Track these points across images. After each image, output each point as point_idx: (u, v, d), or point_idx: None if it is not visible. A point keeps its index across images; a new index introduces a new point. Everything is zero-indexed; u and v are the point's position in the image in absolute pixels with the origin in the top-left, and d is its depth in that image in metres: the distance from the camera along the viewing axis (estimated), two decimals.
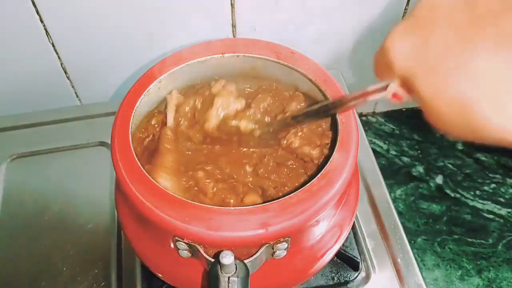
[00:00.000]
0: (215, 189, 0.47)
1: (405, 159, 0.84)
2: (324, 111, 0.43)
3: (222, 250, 0.35)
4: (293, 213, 0.38)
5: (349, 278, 0.54)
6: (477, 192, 0.80)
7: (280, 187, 0.48)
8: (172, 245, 0.41)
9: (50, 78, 0.71)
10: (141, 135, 0.49)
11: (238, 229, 0.37)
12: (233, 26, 0.69)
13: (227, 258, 0.35)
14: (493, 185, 0.81)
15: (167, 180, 0.44)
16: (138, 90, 0.46)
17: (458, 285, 0.71)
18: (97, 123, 0.70)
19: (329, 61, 0.78)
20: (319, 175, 0.40)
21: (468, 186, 0.81)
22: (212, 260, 0.38)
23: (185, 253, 0.41)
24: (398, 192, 0.80)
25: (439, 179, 0.82)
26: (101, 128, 0.68)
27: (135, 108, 0.45)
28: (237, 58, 0.49)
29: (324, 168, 0.40)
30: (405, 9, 0.71)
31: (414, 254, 0.56)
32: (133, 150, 0.41)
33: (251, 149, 0.52)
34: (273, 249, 0.40)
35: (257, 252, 0.39)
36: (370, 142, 0.85)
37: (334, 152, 0.42)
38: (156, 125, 0.49)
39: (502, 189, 0.80)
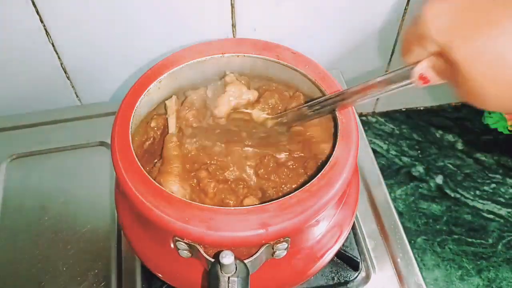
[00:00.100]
0: (215, 189, 0.47)
1: (405, 159, 0.84)
2: (342, 99, 0.42)
3: (222, 250, 0.35)
4: (293, 213, 0.38)
5: (349, 278, 0.54)
6: (477, 192, 0.80)
7: (280, 188, 0.49)
8: (172, 245, 0.41)
9: (50, 78, 0.71)
10: (141, 138, 0.49)
11: (238, 229, 0.37)
12: (233, 26, 0.69)
13: (227, 258, 0.35)
14: (493, 185, 0.81)
15: (177, 186, 0.44)
16: (138, 90, 0.46)
17: (458, 285, 0.71)
18: (97, 123, 0.70)
19: (329, 61, 0.78)
20: (319, 175, 0.40)
21: (468, 186, 0.81)
22: (212, 260, 0.37)
23: (185, 253, 0.41)
24: (398, 192, 0.80)
25: (439, 179, 0.82)
26: (101, 128, 0.68)
27: (135, 108, 0.45)
28: (237, 58, 0.49)
29: (324, 168, 0.40)
30: (405, 9, 0.71)
31: (414, 254, 0.56)
32: (133, 150, 0.41)
33: (252, 150, 0.52)
34: (273, 249, 0.40)
35: (257, 252, 0.39)
36: (370, 142, 0.85)
37: (334, 152, 0.42)
38: (155, 128, 0.49)
39: (502, 189, 0.80)
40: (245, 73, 0.52)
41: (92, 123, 0.70)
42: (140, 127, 0.49)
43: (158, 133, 0.50)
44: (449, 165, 0.83)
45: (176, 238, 0.39)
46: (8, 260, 0.56)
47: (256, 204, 0.39)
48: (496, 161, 0.84)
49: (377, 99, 0.87)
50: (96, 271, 0.55)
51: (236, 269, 0.36)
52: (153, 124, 0.49)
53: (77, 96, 0.76)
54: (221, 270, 0.36)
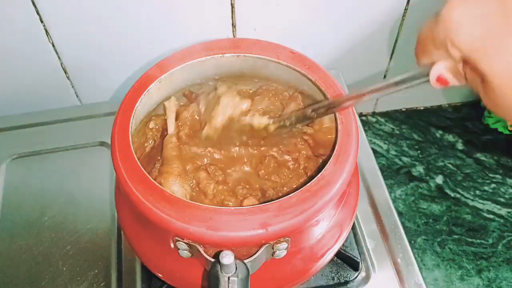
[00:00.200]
0: (215, 190, 0.47)
1: (405, 159, 0.84)
2: (357, 97, 0.40)
3: (222, 250, 0.35)
4: (293, 213, 0.38)
5: (349, 278, 0.54)
6: (477, 192, 0.80)
7: (280, 188, 0.49)
8: (172, 245, 0.41)
9: (50, 78, 0.71)
10: (140, 139, 0.49)
11: (238, 229, 0.37)
12: (233, 26, 0.69)
13: (227, 258, 0.35)
14: (493, 185, 0.81)
15: (177, 186, 0.44)
16: (138, 90, 0.46)
17: (458, 285, 0.71)
18: (97, 123, 0.70)
19: (329, 61, 0.78)
20: (319, 175, 0.40)
21: (468, 186, 0.81)
22: (212, 260, 0.38)
23: (185, 253, 0.41)
24: (398, 192, 0.80)
25: (439, 179, 0.82)
26: (101, 128, 0.68)
27: (135, 108, 0.45)
28: (237, 58, 0.49)
29: (324, 168, 0.40)
30: (405, 9, 0.71)
31: (414, 254, 0.56)
32: (133, 150, 0.41)
33: (252, 151, 0.52)
34: (273, 249, 0.40)
35: (257, 252, 0.39)
36: (370, 142, 0.85)
37: (334, 152, 0.42)
38: (154, 129, 0.49)
39: (502, 189, 0.80)
40: (245, 73, 0.52)
41: (92, 123, 0.70)
42: (140, 127, 0.49)
43: (158, 135, 0.50)
44: (449, 165, 0.83)
45: (176, 238, 0.39)
46: (8, 260, 0.56)
47: (256, 204, 0.39)
48: (496, 161, 0.84)
49: (377, 98, 0.87)
50: (96, 271, 0.55)
51: (236, 269, 0.36)
52: (151, 125, 0.49)
53: (77, 96, 0.76)
54: (221, 270, 0.36)
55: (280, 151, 0.52)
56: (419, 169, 0.83)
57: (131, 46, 0.69)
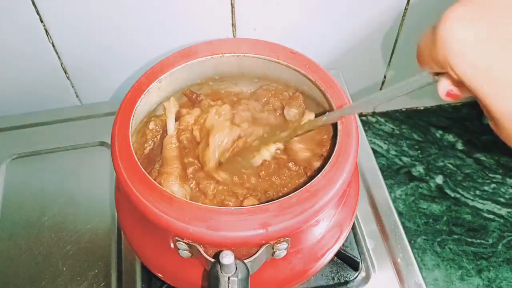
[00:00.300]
0: (215, 190, 0.47)
1: (405, 159, 0.84)
2: (363, 105, 0.40)
3: (222, 250, 0.35)
4: (293, 213, 0.38)
5: (349, 278, 0.54)
6: (477, 192, 0.80)
7: (280, 188, 0.48)
8: (172, 245, 0.41)
9: (50, 78, 0.71)
10: (140, 139, 0.49)
11: (238, 229, 0.37)
12: (233, 26, 0.69)
13: (227, 258, 0.35)
14: (493, 185, 0.81)
15: (177, 186, 0.44)
16: (138, 90, 0.46)
17: (458, 285, 0.71)
18: (97, 123, 0.70)
19: (329, 61, 0.78)
20: (319, 175, 0.40)
21: (468, 186, 0.81)
22: (212, 260, 0.38)
23: (185, 253, 0.41)
24: (398, 192, 0.80)
25: (439, 179, 0.82)
26: (101, 128, 0.68)
27: (135, 108, 0.45)
28: (237, 58, 0.49)
29: (324, 168, 0.40)
30: (405, 9, 0.71)
31: (414, 254, 0.56)
32: (133, 150, 0.41)
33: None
34: (273, 249, 0.40)
35: (257, 252, 0.39)
36: (370, 142, 0.85)
37: (334, 152, 0.42)
38: (154, 130, 0.49)
39: (502, 189, 0.80)
40: (245, 73, 0.52)
41: (92, 123, 0.70)
42: (140, 127, 0.49)
43: (158, 137, 0.49)
44: (449, 165, 0.83)
45: (176, 238, 0.39)
46: (8, 260, 0.56)
47: (256, 204, 0.39)
48: (496, 161, 0.84)
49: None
50: (96, 271, 0.55)
51: (236, 269, 0.36)
52: (151, 126, 0.49)
53: (77, 96, 0.76)
54: (221, 270, 0.36)
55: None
56: (419, 169, 0.83)
57: (131, 46, 0.69)
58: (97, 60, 0.70)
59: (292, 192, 0.39)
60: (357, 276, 0.54)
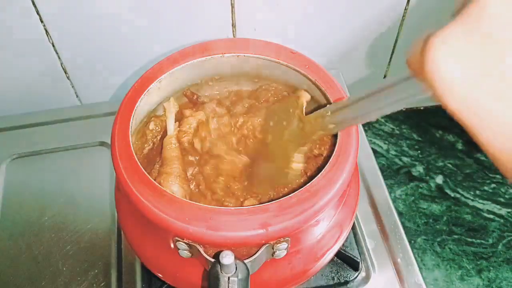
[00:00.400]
0: (214, 192, 0.47)
1: (405, 159, 0.84)
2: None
3: (222, 250, 0.35)
4: (293, 213, 0.38)
5: (349, 278, 0.54)
6: (477, 192, 0.80)
7: (280, 189, 0.48)
8: (172, 245, 0.41)
9: (50, 78, 0.71)
10: (140, 139, 0.49)
11: (238, 229, 0.37)
12: (233, 26, 0.69)
13: (227, 258, 0.35)
14: (493, 185, 0.81)
15: (177, 186, 0.44)
16: (138, 90, 0.46)
17: (458, 285, 0.71)
18: (97, 123, 0.70)
19: (329, 61, 0.78)
20: (319, 175, 0.40)
21: (468, 186, 0.81)
22: (212, 260, 0.37)
23: (185, 253, 0.41)
24: (398, 192, 0.80)
25: (439, 179, 0.82)
26: (101, 128, 0.68)
27: (135, 108, 0.45)
28: (237, 58, 0.49)
29: (324, 168, 0.40)
30: (405, 9, 0.71)
31: (414, 254, 0.56)
32: (133, 150, 0.41)
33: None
34: (273, 249, 0.40)
35: (257, 252, 0.39)
36: (370, 142, 0.85)
37: (334, 152, 0.42)
38: (154, 130, 0.49)
39: (502, 189, 0.80)
40: (245, 73, 0.52)
41: (92, 123, 0.70)
42: (140, 127, 0.49)
43: (158, 138, 0.49)
44: (449, 165, 0.83)
45: (176, 238, 0.39)
46: (8, 260, 0.56)
47: (256, 204, 0.39)
48: None
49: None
50: (96, 271, 0.55)
51: (236, 269, 0.36)
52: (151, 126, 0.49)
53: (77, 96, 0.76)
54: (221, 270, 0.36)
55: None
56: (419, 169, 0.83)
57: (131, 46, 0.69)
58: (97, 60, 0.70)
59: (292, 192, 0.39)
60: (357, 276, 0.54)
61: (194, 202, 0.38)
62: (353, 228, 0.58)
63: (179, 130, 0.49)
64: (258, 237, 0.37)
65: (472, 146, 0.86)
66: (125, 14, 0.64)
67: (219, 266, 0.36)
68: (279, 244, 0.39)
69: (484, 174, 0.82)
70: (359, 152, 0.43)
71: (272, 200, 0.38)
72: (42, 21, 0.63)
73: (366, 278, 0.54)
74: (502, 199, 0.79)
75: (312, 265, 0.45)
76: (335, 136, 0.44)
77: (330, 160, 0.41)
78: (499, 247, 0.74)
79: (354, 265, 0.55)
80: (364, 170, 0.64)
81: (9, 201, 0.62)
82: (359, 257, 0.55)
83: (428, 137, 0.87)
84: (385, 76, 0.82)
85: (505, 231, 0.75)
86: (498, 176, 0.82)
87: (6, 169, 0.65)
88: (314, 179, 0.40)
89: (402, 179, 0.82)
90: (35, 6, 0.61)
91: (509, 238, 0.74)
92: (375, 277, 0.54)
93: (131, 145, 0.42)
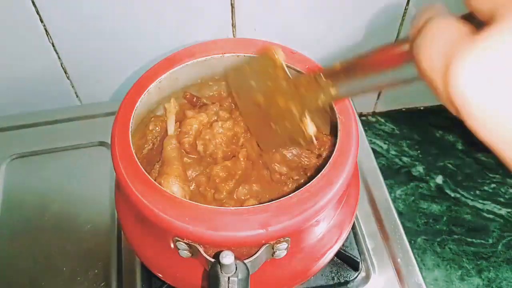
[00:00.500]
0: (215, 195, 0.47)
1: (405, 159, 0.84)
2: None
3: (222, 250, 0.35)
4: (293, 213, 0.38)
5: (349, 278, 0.54)
6: (477, 192, 0.80)
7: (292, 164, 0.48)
8: (172, 245, 0.41)
9: (50, 78, 0.71)
10: (140, 139, 0.49)
11: (238, 229, 0.37)
12: (233, 26, 0.69)
13: (227, 258, 0.35)
14: (493, 185, 0.81)
15: (177, 186, 0.44)
16: (138, 90, 0.46)
17: (458, 285, 0.71)
18: (97, 123, 0.70)
19: (329, 61, 0.78)
20: (319, 175, 0.40)
21: (468, 186, 0.81)
22: (212, 260, 0.37)
23: (185, 253, 0.41)
24: (398, 192, 0.80)
25: (439, 179, 0.82)
26: (101, 128, 0.68)
27: (135, 108, 0.45)
28: (237, 58, 0.49)
29: (324, 168, 0.40)
30: (405, 9, 0.71)
31: (414, 254, 0.56)
32: (133, 150, 0.41)
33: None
34: (273, 249, 0.40)
35: (257, 252, 0.39)
36: (370, 142, 0.85)
37: (334, 152, 0.41)
38: (154, 131, 0.49)
39: (502, 189, 0.80)
40: None
41: (92, 123, 0.70)
42: (140, 127, 0.49)
43: (158, 138, 0.49)
44: (449, 165, 0.83)
45: (176, 238, 0.39)
46: (8, 260, 0.56)
47: (256, 204, 0.39)
48: (496, 161, 0.84)
49: (377, 98, 0.87)
50: (96, 271, 0.55)
51: (236, 269, 0.36)
52: (151, 126, 0.49)
53: (77, 96, 0.76)
54: (221, 270, 0.36)
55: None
56: (419, 169, 0.83)
57: (131, 46, 0.69)
58: (97, 60, 0.70)
59: (292, 192, 0.39)
60: (357, 276, 0.54)
61: (194, 202, 0.38)
62: (353, 228, 0.58)
63: (180, 131, 0.49)
64: (258, 237, 0.37)
65: (472, 146, 0.86)
66: (125, 14, 0.64)
67: (219, 266, 0.36)
68: (279, 244, 0.39)
69: (484, 174, 0.82)
70: (359, 152, 0.43)
71: (272, 200, 0.38)
72: (42, 21, 0.63)
73: (366, 278, 0.54)
74: (502, 199, 0.79)
75: (312, 265, 0.45)
76: (335, 136, 0.44)
77: (330, 160, 0.41)
78: (499, 247, 0.74)
79: (354, 265, 0.55)
80: (364, 170, 0.64)
81: (9, 201, 0.62)
82: (359, 257, 0.55)
83: (428, 137, 0.87)
84: None
85: (505, 231, 0.75)
86: (498, 176, 0.82)
87: (6, 169, 0.65)
88: (314, 179, 0.40)
89: (402, 179, 0.82)
90: (35, 6, 0.61)
91: (509, 238, 0.74)
92: (375, 277, 0.54)
93: (131, 145, 0.42)
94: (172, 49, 0.70)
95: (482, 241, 0.74)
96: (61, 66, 0.70)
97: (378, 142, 0.87)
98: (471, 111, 0.19)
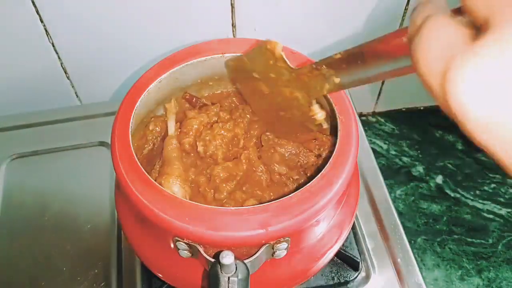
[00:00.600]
0: (215, 195, 0.47)
1: (405, 159, 0.84)
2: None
3: (222, 250, 0.35)
4: (293, 213, 0.38)
5: (349, 278, 0.54)
6: (477, 192, 0.80)
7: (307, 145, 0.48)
8: (172, 245, 0.41)
9: (50, 78, 0.71)
10: (140, 139, 0.49)
11: (238, 229, 0.37)
12: (233, 26, 0.69)
13: (227, 258, 0.35)
14: (493, 185, 0.81)
15: (178, 186, 0.44)
16: (138, 90, 0.46)
17: (458, 285, 0.71)
18: (97, 123, 0.70)
19: None
20: (319, 175, 0.40)
21: (468, 186, 0.81)
22: (212, 260, 0.37)
23: (185, 253, 0.41)
24: (398, 192, 0.80)
25: (439, 179, 0.82)
26: (101, 128, 0.68)
27: (135, 108, 0.45)
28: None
29: (324, 168, 0.40)
30: (405, 9, 0.71)
31: (414, 254, 0.56)
32: (133, 150, 0.41)
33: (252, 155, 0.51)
34: (273, 249, 0.40)
35: (257, 252, 0.39)
36: (370, 142, 0.85)
37: (334, 152, 0.41)
38: (154, 131, 0.49)
39: (502, 189, 0.80)
40: None
41: (92, 123, 0.70)
42: (140, 127, 0.49)
43: (158, 138, 0.49)
44: (449, 165, 0.83)
45: (176, 238, 0.39)
46: (8, 260, 0.56)
47: (256, 204, 0.39)
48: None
49: (377, 98, 0.87)
50: (96, 271, 0.55)
51: (236, 269, 0.36)
52: (151, 126, 0.49)
53: (77, 96, 0.76)
54: (221, 270, 0.36)
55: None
56: (419, 169, 0.83)
57: (131, 46, 0.69)
58: (97, 60, 0.70)
59: (292, 192, 0.39)
60: (357, 276, 0.54)
61: (194, 202, 0.38)
62: (353, 228, 0.58)
63: (180, 131, 0.49)
64: (258, 237, 0.37)
65: (472, 146, 0.86)
66: (125, 15, 0.64)
67: (219, 266, 0.36)
68: (279, 244, 0.39)
69: (484, 174, 0.82)
70: (359, 152, 0.43)
71: (272, 200, 0.38)
72: (42, 21, 0.63)
73: (366, 278, 0.54)
74: (502, 199, 0.79)
75: (312, 265, 0.45)
76: (335, 136, 0.44)
77: (330, 160, 0.41)
78: (499, 247, 0.74)
79: (354, 265, 0.55)
80: (364, 170, 0.64)
81: (9, 201, 0.62)
82: (359, 257, 0.55)
83: (428, 137, 0.87)
84: None
85: (505, 231, 0.75)
86: (498, 176, 0.82)
87: (6, 169, 0.65)
88: (314, 179, 0.40)
89: (402, 179, 0.82)
90: (35, 6, 0.61)
91: (509, 238, 0.74)
92: (375, 277, 0.54)
93: (131, 145, 0.42)
94: (172, 49, 0.70)
95: (482, 241, 0.74)
96: (61, 66, 0.70)
97: (378, 142, 0.87)
98: (468, 117, 0.19)
